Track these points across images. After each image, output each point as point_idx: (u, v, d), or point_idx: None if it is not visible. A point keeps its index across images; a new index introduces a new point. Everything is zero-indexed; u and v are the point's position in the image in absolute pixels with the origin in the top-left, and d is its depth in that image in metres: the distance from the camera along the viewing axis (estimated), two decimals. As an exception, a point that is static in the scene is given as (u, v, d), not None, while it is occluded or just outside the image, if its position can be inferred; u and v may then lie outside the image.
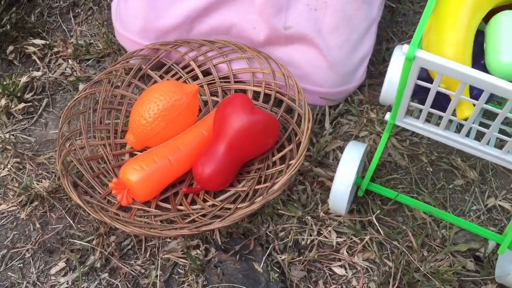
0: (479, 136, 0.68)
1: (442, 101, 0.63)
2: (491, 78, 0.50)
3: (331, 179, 0.79)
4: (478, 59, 0.62)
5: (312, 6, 0.80)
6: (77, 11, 1.07)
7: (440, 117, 0.72)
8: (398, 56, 0.83)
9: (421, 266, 0.71)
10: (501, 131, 0.75)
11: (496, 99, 0.81)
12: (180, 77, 0.88)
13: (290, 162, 0.75)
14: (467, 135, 0.64)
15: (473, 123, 0.60)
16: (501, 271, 0.69)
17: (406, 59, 0.53)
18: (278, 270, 0.71)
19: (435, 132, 0.63)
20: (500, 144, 0.78)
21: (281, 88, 0.83)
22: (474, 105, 0.56)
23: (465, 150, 0.63)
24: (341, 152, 0.84)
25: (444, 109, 0.60)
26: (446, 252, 0.72)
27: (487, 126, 0.73)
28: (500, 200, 0.79)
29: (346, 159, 0.70)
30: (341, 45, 0.81)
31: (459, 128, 0.70)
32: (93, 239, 0.75)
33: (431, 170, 0.82)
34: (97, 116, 0.83)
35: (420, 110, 0.69)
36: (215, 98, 0.86)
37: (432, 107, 0.60)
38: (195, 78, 0.89)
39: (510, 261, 0.67)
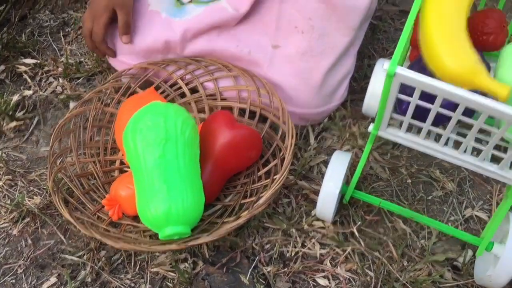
0: (457, 145, 0.71)
1: (424, 113, 0.66)
2: (465, 93, 0.53)
3: (316, 192, 0.82)
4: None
5: (300, 28, 0.83)
6: (67, 30, 1.10)
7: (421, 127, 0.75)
8: (379, 70, 0.86)
9: (401, 276, 0.74)
10: (478, 140, 0.78)
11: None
12: (168, 94, 0.91)
13: (274, 177, 0.78)
14: (446, 144, 0.67)
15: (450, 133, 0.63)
16: (479, 273, 0.72)
17: (387, 76, 0.56)
18: (264, 282, 0.74)
19: (415, 141, 0.66)
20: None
21: (266, 105, 0.86)
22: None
23: (444, 159, 0.66)
24: (325, 166, 0.87)
25: (424, 120, 0.63)
26: (425, 262, 0.75)
27: (464, 136, 0.76)
28: (477, 211, 0.82)
29: (333, 166, 0.74)
30: (323, 69, 0.84)
31: (438, 138, 0.73)
32: (84, 254, 0.77)
33: (411, 182, 0.85)
34: (87, 134, 0.86)
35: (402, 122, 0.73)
36: (202, 115, 0.89)
37: (416, 119, 0.63)
38: (183, 95, 0.92)
39: (488, 262, 0.70)
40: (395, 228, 0.79)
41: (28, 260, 0.78)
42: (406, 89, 0.66)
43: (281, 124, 0.82)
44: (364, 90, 0.97)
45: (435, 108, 0.58)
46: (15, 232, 0.80)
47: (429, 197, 0.83)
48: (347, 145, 0.89)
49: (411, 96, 0.59)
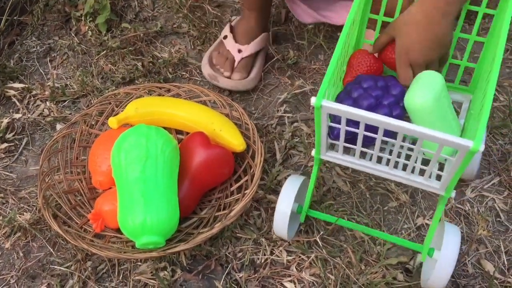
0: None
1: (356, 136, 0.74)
2: (379, 117, 0.62)
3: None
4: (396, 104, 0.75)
5: None
6: (53, 55, 1.17)
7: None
8: None
9: (358, 279, 0.82)
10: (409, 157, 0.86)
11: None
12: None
13: (245, 192, 0.86)
14: (379, 162, 0.75)
15: (383, 152, 0.72)
16: (425, 276, 0.81)
17: (315, 108, 0.64)
18: (236, 287, 0.82)
19: (352, 161, 0.74)
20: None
21: (238, 126, 0.95)
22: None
23: (379, 175, 0.74)
24: (292, 181, 0.95)
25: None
26: (380, 266, 0.84)
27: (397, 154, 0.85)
28: (427, 219, 0.91)
29: (284, 193, 0.81)
30: None
31: (371, 157, 0.82)
32: (72, 265, 0.84)
33: (369, 194, 0.94)
34: (74, 154, 0.93)
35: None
36: (180, 136, 0.97)
37: (350, 142, 0.72)
38: (162, 117, 1.00)
39: (430, 268, 0.80)
40: (355, 236, 0.88)
41: (20, 271, 0.84)
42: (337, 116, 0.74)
43: (252, 144, 0.91)
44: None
45: (361, 132, 0.67)
46: (7, 245, 0.87)
47: (385, 208, 0.93)
48: (312, 161, 0.98)
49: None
